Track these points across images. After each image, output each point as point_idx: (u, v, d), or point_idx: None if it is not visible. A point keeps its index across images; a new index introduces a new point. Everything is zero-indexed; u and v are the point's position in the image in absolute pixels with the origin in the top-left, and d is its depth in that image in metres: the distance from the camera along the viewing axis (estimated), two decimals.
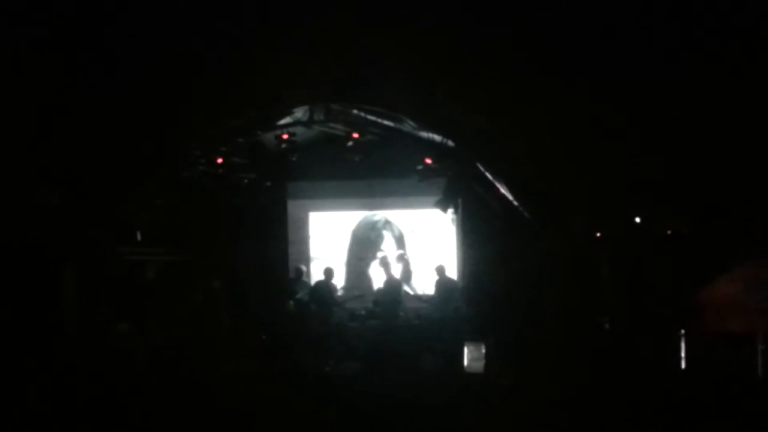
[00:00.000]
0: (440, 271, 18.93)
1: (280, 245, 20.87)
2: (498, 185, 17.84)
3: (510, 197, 17.65)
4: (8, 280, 14.99)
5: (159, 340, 16.16)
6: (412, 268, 20.63)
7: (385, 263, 18.89)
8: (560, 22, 15.12)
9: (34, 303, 15.13)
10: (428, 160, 18.52)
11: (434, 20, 15.29)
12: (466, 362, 16.13)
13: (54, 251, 15.76)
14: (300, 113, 18.24)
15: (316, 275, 19.91)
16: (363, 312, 18.74)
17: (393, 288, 18.37)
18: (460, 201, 19.63)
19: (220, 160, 18.74)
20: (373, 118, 18.15)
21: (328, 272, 19.09)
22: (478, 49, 15.54)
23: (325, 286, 18.85)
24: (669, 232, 15.69)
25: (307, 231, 21.54)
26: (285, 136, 18.21)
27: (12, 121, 15.52)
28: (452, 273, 19.90)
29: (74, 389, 12.74)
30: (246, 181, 20.04)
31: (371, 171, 19.90)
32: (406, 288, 20.04)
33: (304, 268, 20.01)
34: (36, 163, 15.79)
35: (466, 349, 16.17)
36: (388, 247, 21.21)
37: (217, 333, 16.96)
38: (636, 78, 15.06)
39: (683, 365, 13.67)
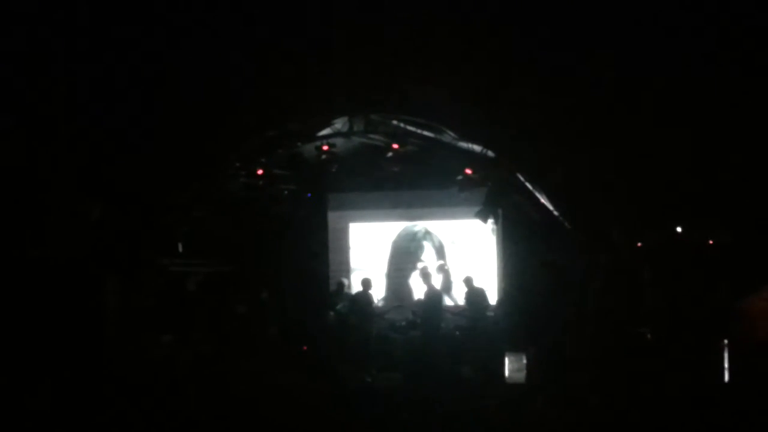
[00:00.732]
0: (468, 282, 18.92)
1: (321, 256, 20.94)
2: (538, 195, 17.80)
3: (550, 207, 17.60)
4: (51, 294, 15.12)
5: (203, 351, 16.23)
6: (453, 278, 20.64)
7: (425, 274, 18.85)
8: (603, 30, 15.10)
9: (77, 316, 15.25)
10: (468, 171, 18.48)
11: (471, 30, 15.33)
12: (507, 373, 16.09)
13: (96, 264, 15.89)
14: (340, 124, 18.33)
15: (357, 287, 19.95)
16: (404, 323, 18.76)
17: (434, 299, 18.32)
18: (500, 211, 19.58)
19: (260, 172, 18.83)
20: (412, 128, 18.20)
21: (366, 283, 19.13)
22: (518, 59, 15.56)
23: (364, 297, 18.90)
24: (711, 241, 15.59)
25: (348, 242, 21.60)
26: (325, 147, 18.30)
27: (53, 135, 15.70)
28: (492, 283, 19.89)
29: (118, 401, 12.82)
30: (286, 192, 20.13)
31: (411, 182, 19.88)
32: (446, 299, 20.05)
33: (346, 281, 20.06)
34: (77, 177, 15.95)
35: (507, 360, 16.13)
36: (428, 258, 21.22)
37: (262, 344, 17.01)
38: (678, 88, 15.00)
39: (726, 376, 13.54)
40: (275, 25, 15.64)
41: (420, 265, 20.75)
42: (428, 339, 17.56)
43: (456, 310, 19.40)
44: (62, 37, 15.35)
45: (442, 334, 18.01)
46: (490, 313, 18.60)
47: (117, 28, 15.41)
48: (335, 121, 18.20)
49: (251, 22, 15.61)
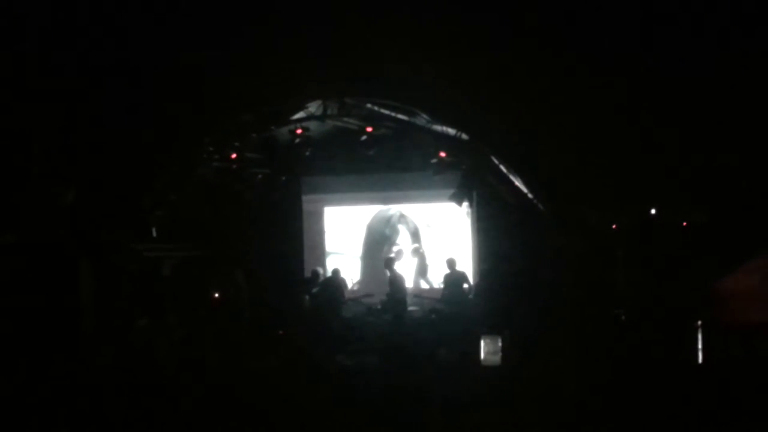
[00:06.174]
0: (451, 264, 18.91)
1: (295, 240, 20.84)
2: (512, 178, 17.82)
3: (525, 190, 17.63)
4: (26, 278, 15.03)
5: (178, 335, 16.18)
6: (428, 262, 20.64)
7: (388, 260, 18.78)
8: (577, 12, 15.14)
9: (52, 301, 15.16)
10: (443, 154, 18.48)
11: (446, 13, 15.33)
12: (482, 355, 16.09)
13: (70, 249, 15.80)
14: (313, 108, 18.27)
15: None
16: (379, 306, 18.72)
17: (398, 285, 18.35)
18: (474, 194, 19.60)
19: (233, 156, 18.78)
20: (386, 111, 18.17)
21: (335, 273, 19.09)
22: (491, 41, 15.56)
23: (333, 282, 18.80)
24: (685, 223, 15.67)
25: (322, 226, 21.60)
26: (299, 131, 18.25)
27: (28, 121, 15.60)
28: (467, 266, 19.90)
29: (94, 386, 12.78)
30: (260, 176, 20.05)
31: (385, 165, 19.78)
32: (422, 282, 20.04)
33: (321, 270, 19.92)
34: (50, 162, 15.85)
35: (482, 343, 16.13)
36: (403, 241, 21.22)
37: (237, 328, 16.97)
38: (652, 70, 15.06)
39: (700, 357, 13.64)
40: (249, 9, 15.58)
41: (395, 248, 20.77)
42: (398, 322, 17.54)
43: (435, 295, 19.34)
44: (36, 16, 15.26)
45: (417, 317, 18.02)
46: (470, 296, 18.58)
47: (93, 12, 15.33)
48: (309, 104, 18.14)
49: (224, 5, 15.55)
